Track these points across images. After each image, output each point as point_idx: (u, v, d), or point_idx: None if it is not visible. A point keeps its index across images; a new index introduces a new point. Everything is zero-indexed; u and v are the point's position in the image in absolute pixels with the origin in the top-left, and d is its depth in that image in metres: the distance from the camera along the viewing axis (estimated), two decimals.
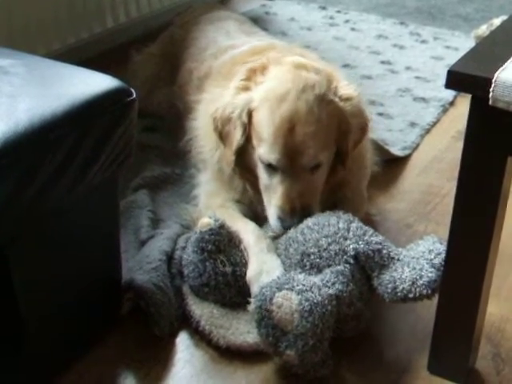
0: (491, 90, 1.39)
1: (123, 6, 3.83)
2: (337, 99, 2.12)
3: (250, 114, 2.11)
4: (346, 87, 2.18)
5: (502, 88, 1.38)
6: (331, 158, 2.15)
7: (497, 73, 1.40)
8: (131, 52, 3.21)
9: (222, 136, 2.18)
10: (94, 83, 1.69)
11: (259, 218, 2.21)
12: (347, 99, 2.15)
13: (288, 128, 2.02)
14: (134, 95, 1.72)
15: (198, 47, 2.71)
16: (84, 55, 3.45)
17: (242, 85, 2.17)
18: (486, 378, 1.86)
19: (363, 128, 2.20)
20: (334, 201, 2.27)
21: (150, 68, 3.05)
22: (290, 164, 2.05)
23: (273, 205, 2.08)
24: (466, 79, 1.43)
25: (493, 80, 1.39)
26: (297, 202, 2.05)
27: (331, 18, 4.46)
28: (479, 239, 1.62)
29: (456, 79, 1.44)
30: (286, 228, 2.05)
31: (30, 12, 3.24)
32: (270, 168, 2.07)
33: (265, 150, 2.06)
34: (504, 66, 1.42)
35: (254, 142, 2.10)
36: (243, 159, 2.17)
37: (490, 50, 1.57)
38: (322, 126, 2.06)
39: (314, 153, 2.05)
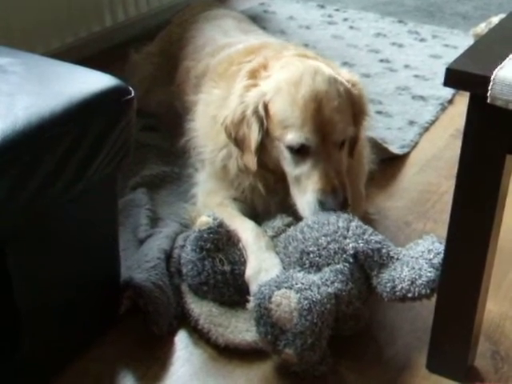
0: (490, 88, 1.39)
1: (122, 4, 3.83)
2: (345, 82, 2.14)
3: (265, 107, 2.09)
4: (348, 73, 2.21)
5: (501, 86, 1.38)
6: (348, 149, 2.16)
7: (495, 71, 1.40)
8: (129, 51, 3.21)
9: (238, 141, 2.14)
10: (92, 82, 1.69)
11: (258, 216, 2.22)
12: (353, 84, 2.18)
13: (314, 107, 2.02)
14: (133, 94, 1.72)
15: (196, 46, 2.71)
16: (83, 54, 3.45)
17: (247, 84, 2.16)
18: (485, 376, 1.86)
19: (366, 114, 2.22)
20: None
21: (148, 67, 3.05)
22: (322, 142, 2.03)
23: (310, 191, 2.03)
24: (465, 77, 1.43)
25: (491, 78, 1.39)
26: (335, 181, 2.03)
27: (330, 16, 4.46)
28: (478, 237, 1.62)
29: (454, 77, 1.44)
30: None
31: (29, 11, 3.24)
32: (299, 155, 2.04)
33: (294, 134, 2.03)
34: (502, 64, 1.42)
35: (277, 133, 2.06)
36: (261, 158, 2.13)
37: (489, 48, 1.57)
38: (343, 100, 2.07)
39: (344, 126, 2.06)
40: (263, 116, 2.08)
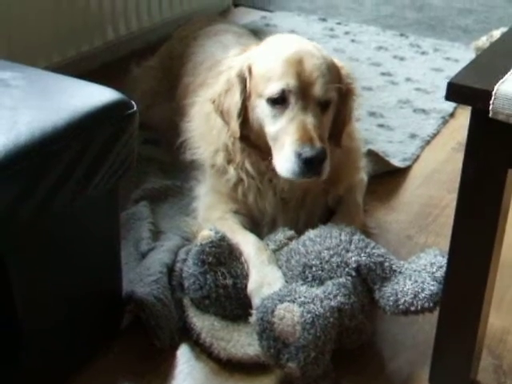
0: (491, 102, 1.39)
1: (124, 18, 3.84)
2: (335, 60, 2.19)
3: (249, 69, 2.13)
4: (337, 60, 2.25)
5: (503, 100, 1.38)
6: (331, 119, 2.16)
7: (497, 85, 1.40)
8: (131, 65, 3.22)
9: (224, 114, 2.17)
10: (94, 96, 1.69)
11: (259, 228, 2.23)
12: (342, 67, 2.21)
13: (296, 61, 2.06)
14: (135, 108, 1.72)
15: (195, 62, 2.72)
16: (85, 68, 3.46)
17: (235, 53, 2.26)
18: None
19: (354, 93, 2.23)
20: (328, 211, 2.29)
21: (149, 82, 3.05)
22: (302, 96, 2.04)
23: (287, 144, 2.01)
24: (466, 91, 1.43)
25: (493, 92, 1.39)
26: (313, 133, 2.01)
27: (331, 29, 4.47)
28: (480, 250, 1.62)
29: (456, 91, 1.44)
30: (306, 163, 1.98)
31: (31, 25, 3.25)
32: (278, 108, 2.05)
33: (275, 83, 2.05)
34: (504, 79, 1.43)
35: (259, 89, 2.09)
36: (246, 129, 2.15)
37: (490, 62, 1.57)
38: (327, 65, 2.10)
39: (325, 83, 2.06)
40: (247, 77, 2.12)
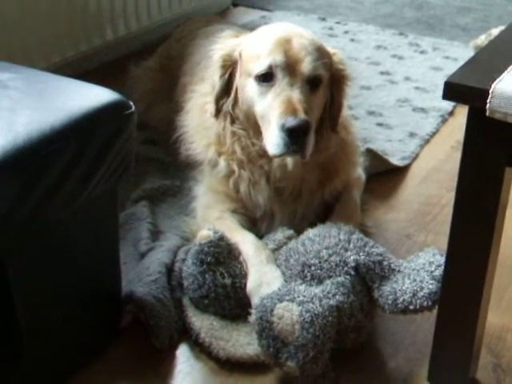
0: (488, 101, 1.39)
1: (123, 18, 3.84)
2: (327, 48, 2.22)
3: (240, 54, 2.17)
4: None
5: (499, 99, 1.38)
6: (322, 104, 2.17)
7: (494, 84, 1.40)
8: (129, 65, 3.22)
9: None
10: (92, 96, 1.69)
11: (257, 225, 2.24)
12: (334, 53, 2.23)
13: (285, 40, 2.10)
14: (133, 108, 1.72)
15: (193, 62, 2.73)
16: (83, 68, 3.46)
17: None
18: None
19: (347, 78, 2.24)
20: (324, 205, 2.30)
21: (148, 82, 3.06)
22: (289, 72, 2.06)
23: (273, 118, 2.03)
24: (464, 90, 1.43)
25: (490, 91, 1.39)
26: (298, 106, 2.02)
27: (330, 28, 4.47)
28: (478, 249, 1.62)
29: (453, 90, 1.44)
30: (289, 134, 1.98)
31: (30, 26, 3.24)
32: (266, 85, 2.07)
33: (263, 59, 2.08)
34: (501, 77, 1.43)
35: (248, 68, 2.12)
36: (238, 109, 2.19)
37: (488, 61, 1.57)
38: (316, 45, 2.14)
39: (313, 60, 2.08)
40: (238, 60, 2.16)
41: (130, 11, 3.89)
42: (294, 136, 1.99)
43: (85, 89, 1.75)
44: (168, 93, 2.87)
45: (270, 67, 2.06)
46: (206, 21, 3.15)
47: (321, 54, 2.13)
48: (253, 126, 2.16)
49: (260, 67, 2.07)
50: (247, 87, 2.13)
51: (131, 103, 1.73)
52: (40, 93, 1.70)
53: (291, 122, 1.98)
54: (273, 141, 2.03)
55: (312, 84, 2.09)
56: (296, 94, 2.04)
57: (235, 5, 4.82)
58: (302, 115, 1.99)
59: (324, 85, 2.14)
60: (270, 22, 4.53)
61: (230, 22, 3.74)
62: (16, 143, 1.48)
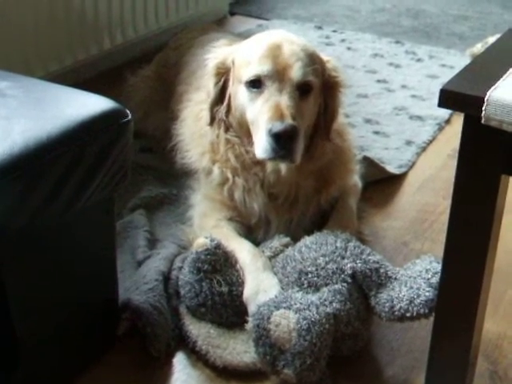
0: (483, 108, 1.39)
1: (120, 27, 3.84)
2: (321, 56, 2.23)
3: (233, 61, 2.18)
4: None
5: (495, 107, 1.38)
6: (315, 111, 2.18)
7: (489, 91, 1.40)
8: (126, 74, 3.23)
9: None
10: (89, 105, 1.70)
11: (253, 233, 2.25)
12: (328, 60, 2.24)
13: (276, 47, 2.11)
14: (130, 116, 1.73)
15: (189, 71, 2.73)
16: (81, 76, 3.47)
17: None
18: None
19: (341, 85, 2.24)
20: (321, 213, 2.30)
21: (145, 91, 3.06)
22: (278, 79, 2.07)
23: (261, 124, 2.04)
24: (459, 98, 1.43)
25: (485, 99, 1.39)
26: (286, 111, 2.03)
27: (327, 37, 4.48)
28: (474, 256, 1.62)
29: (449, 98, 1.45)
30: (276, 139, 1.99)
31: (28, 34, 3.25)
32: (256, 92, 2.09)
33: (252, 67, 2.10)
34: (496, 85, 1.43)
35: (240, 74, 2.14)
36: (231, 116, 2.21)
37: (483, 69, 1.57)
38: (308, 52, 2.15)
39: (302, 66, 2.09)
40: (230, 67, 2.18)
41: (127, 20, 3.89)
42: (281, 141, 2.00)
43: (82, 97, 1.75)
44: (165, 101, 2.87)
45: (259, 74, 2.07)
46: (203, 30, 3.16)
47: (312, 60, 2.14)
48: (246, 134, 2.17)
49: (249, 73, 2.09)
50: (239, 94, 2.14)
51: (128, 111, 1.73)
52: (37, 101, 1.70)
53: (278, 126, 1.99)
54: (261, 145, 2.04)
55: (302, 90, 2.10)
56: (284, 100, 2.05)
57: (232, 13, 4.83)
58: (289, 120, 2.00)
59: (315, 91, 2.14)
60: (266, 30, 4.55)
61: (227, 30, 3.75)
62: (13, 151, 1.48)
